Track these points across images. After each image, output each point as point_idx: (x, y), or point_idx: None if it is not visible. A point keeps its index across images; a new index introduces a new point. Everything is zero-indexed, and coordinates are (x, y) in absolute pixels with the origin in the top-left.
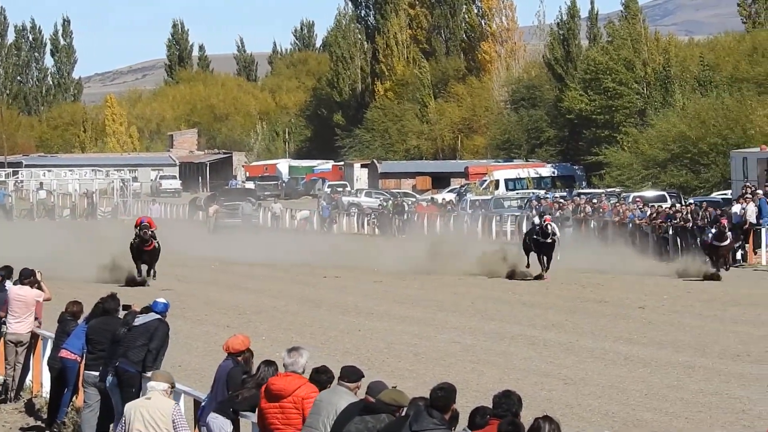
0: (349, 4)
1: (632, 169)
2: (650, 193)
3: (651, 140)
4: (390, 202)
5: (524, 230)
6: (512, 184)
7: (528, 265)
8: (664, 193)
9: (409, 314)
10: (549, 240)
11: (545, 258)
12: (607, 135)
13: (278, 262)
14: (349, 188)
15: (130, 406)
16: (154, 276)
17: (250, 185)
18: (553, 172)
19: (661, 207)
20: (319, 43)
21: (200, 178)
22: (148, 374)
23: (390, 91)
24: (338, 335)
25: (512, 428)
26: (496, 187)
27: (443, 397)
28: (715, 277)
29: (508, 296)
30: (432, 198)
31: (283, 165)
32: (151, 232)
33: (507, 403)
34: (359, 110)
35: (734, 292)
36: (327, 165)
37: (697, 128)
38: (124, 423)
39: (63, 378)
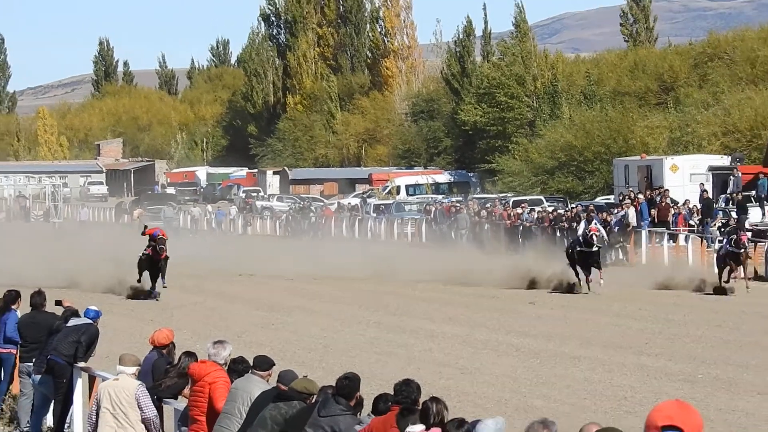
0: (262, 23)
1: (523, 176)
2: (528, 198)
3: (540, 149)
4: (297, 206)
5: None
6: (412, 189)
7: (578, 278)
8: (542, 197)
9: (318, 309)
10: (594, 249)
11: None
12: (500, 144)
13: (198, 260)
14: (262, 193)
15: (101, 386)
16: (164, 286)
17: (171, 191)
18: (450, 179)
19: (546, 211)
20: (234, 59)
21: (125, 184)
22: (80, 365)
23: (300, 104)
24: (253, 328)
25: (407, 411)
26: (398, 192)
27: (348, 385)
28: (721, 291)
29: (409, 292)
30: (338, 203)
31: (202, 172)
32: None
33: (407, 390)
34: (271, 121)
35: (617, 288)
36: (242, 172)
37: (583, 138)
38: (96, 401)
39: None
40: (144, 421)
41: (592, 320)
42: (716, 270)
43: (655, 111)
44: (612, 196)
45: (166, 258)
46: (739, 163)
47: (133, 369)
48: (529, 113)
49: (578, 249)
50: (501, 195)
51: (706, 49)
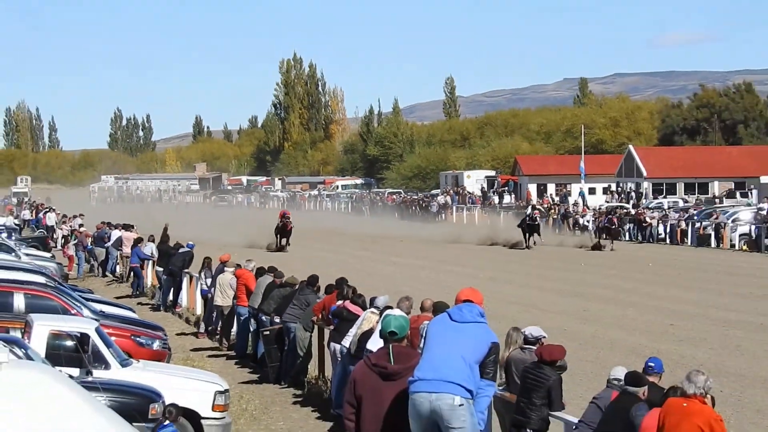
0: (273, 107)
1: (397, 180)
2: (399, 190)
3: (405, 168)
4: (290, 194)
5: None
6: (344, 187)
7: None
8: (401, 190)
9: (319, 246)
10: (536, 223)
11: (536, 234)
12: (385, 165)
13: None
14: (272, 188)
15: (218, 278)
16: (288, 245)
17: (230, 188)
18: (362, 182)
19: (408, 197)
20: (260, 124)
21: (207, 185)
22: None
23: (291, 147)
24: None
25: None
26: (338, 188)
27: (313, 279)
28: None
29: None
30: (309, 193)
31: (244, 179)
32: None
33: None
34: (277, 155)
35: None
36: (263, 178)
37: (426, 162)
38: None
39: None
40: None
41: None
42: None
43: (459, 149)
44: (439, 191)
45: (292, 228)
46: (500, 174)
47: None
48: (399, 150)
49: (527, 223)
50: (387, 189)
51: (485, 120)
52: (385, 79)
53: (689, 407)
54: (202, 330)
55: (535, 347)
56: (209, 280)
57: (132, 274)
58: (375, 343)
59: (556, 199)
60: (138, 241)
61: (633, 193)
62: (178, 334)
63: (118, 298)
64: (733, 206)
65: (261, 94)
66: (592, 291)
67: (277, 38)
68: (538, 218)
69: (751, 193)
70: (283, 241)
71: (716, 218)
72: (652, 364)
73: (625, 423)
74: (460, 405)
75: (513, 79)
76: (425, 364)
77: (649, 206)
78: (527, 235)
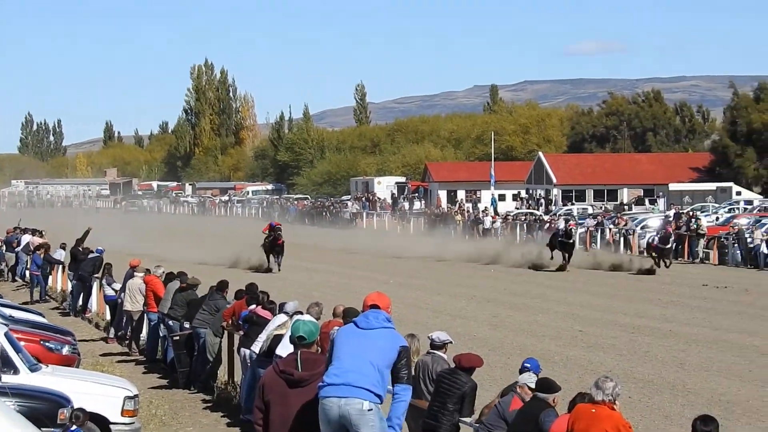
0: (184, 113)
1: (307, 186)
2: (308, 196)
3: (315, 174)
4: (200, 200)
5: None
6: (255, 192)
7: (552, 258)
8: (308, 196)
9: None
10: (571, 241)
11: (567, 255)
12: (296, 171)
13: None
14: (183, 193)
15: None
16: (280, 265)
17: (140, 193)
18: (273, 187)
19: (317, 203)
20: (171, 129)
21: (118, 190)
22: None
23: (201, 152)
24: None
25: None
26: (248, 194)
27: (222, 284)
28: (651, 272)
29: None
30: (219, 198)
31: (154, 184)
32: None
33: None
34: (188, 160)
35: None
36: (173, 183)
37: (336, 168)
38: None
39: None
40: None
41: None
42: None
43: (370, 156)
44: (350, 196)
45: (283, 243)
46: (410, 180)
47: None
48: (309, 156)
49: (560, 239)
50: (297, 195)
51: (396, 127)
52: (296, 86)
53: (598, 413)
54: (111, 335)
55: (441, 351)
56: (115, 285)
57: (33, 280)
58: (285, 348)
59: (469, 205)
60: (40, 247)
61: (542, 200)
62: (87, 340)
63: (26, 303)
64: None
65: (172, 99)
66: (502, 297)
67: (188, 44)
68: (573, 234)
69: (660, 200)
70: (276, 259)
71: (625, 225)
72: (528, 365)
73: (534, 428)
74: (369, 410)
75: (424, 85)
76: (334, 370)
77: (558, 212)
78: (563, 254)
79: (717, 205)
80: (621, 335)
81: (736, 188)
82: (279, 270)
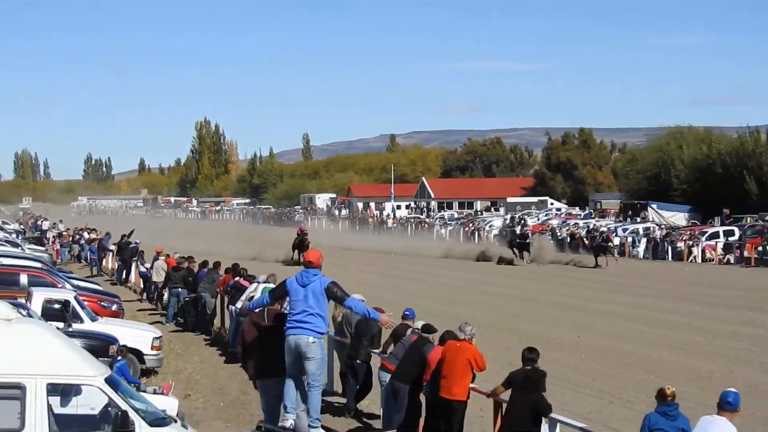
0: (190, 152)
1: (275, 201)
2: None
3: (281, 192)
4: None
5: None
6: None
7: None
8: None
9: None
10: (527, 241)
11: (525, 252)
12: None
13: None
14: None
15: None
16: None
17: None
18: (249, 201)
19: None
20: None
21: None
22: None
23: (204, 179)
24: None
25: None
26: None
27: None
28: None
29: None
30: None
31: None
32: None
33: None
34: (193, 184)
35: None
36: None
37: (291, 187)
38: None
39: None
40: None
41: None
42: None
43: (312, 180)
44: (300, 207)
45: (309, 243)
46: (339, 196)
47: None
48: (273, 180)
49: (518, 241)
50: (264, 206)
51: (329, 161)
52: (264, 133)
53: (461, 346)
54: (144, 298)
55: None
56: (146, 265)
57: (91, 262)
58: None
59: (377, 212)
60: (93, 240)
61: (425, 209)
62: (128, 301)
63: (88, 277)
64: (490, 217)
65: (183, 143)
66: (398, 273)
67: (192, 103)
68: (530, 235)
69: (501, 209)
70: (300, 256)
71: (478, 224)
72: (408, 313)
73: (419, 355)
74: (312, 342)
75: (346, 133)
76: (291, 317)
77: (435, 217)
78: (519, 252)
79: (538, 212)
80: (479, 298)
81: (550, 201)
82: None
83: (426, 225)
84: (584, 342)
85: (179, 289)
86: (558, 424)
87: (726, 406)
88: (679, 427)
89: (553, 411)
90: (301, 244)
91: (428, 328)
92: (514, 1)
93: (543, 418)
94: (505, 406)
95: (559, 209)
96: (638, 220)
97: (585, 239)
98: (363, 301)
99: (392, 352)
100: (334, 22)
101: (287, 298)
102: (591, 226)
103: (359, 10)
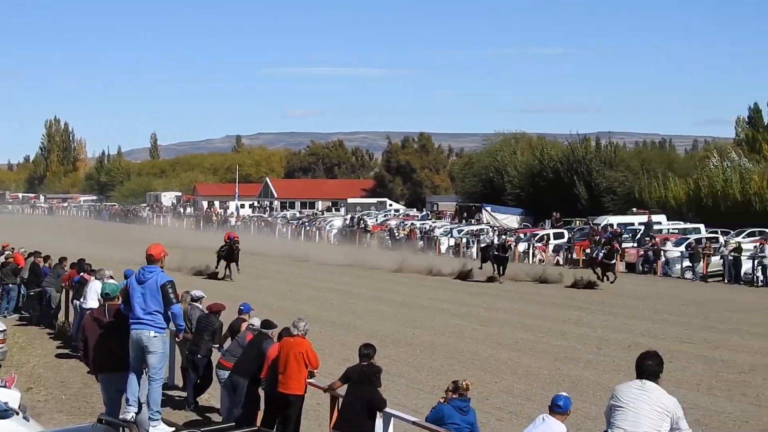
0: (39, 150)
1: (122, 198)
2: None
3: (127, 190)
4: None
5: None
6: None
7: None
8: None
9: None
10: (506, 255)
11: (501, 267)
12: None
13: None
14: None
15: None
16: (238, 271)
17: None
18: (96, 198)
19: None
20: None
21: None
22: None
23: (52, 174)
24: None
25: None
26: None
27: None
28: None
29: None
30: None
31: None
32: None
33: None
34: (42, 180)
35: None
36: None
37: (141, 185)
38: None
39: None
40: None
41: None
42: None
43: (159, 179)
44: (146, 204)
45: (239, 252)
46: (184, 194)
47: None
48: (120, 178)
49: (495, 254)
50: (111, 203)
51: (176, 161)
52: (113, 133)
53: (295, 342)
54: None
55: (197, 303)
56: None
57: None
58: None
59: (221, 210)
60: None
61: (268, 208)
62: None
63: None
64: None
65: (33, 141)
66: (246, 270)
67: (42, 102)
68: (511, 247)
69: (342, 209)
70: (229, 267)
71: (319, 223)
72: (242, 308)
73: (258, 350)
74: (154, 336)
75: (193, 133)
76: (132, 314)
77: (277, 216)
78: (496, 266)
79: (377, 213)
80: (315, 294)
81: (389, 202)
82: (232, 278)
83: (269, 224)
84: (419, 339)
85: (10, 285)
86: (392, 418)
87: (556, 408)
88: (470, 422)
89: (387, 405)
90: (230, 253)
91: (267, 324)
92: (358, 7)
93: (377, 412)
94: (341, 400)
95: (397, 210)
96: (473, 221)
97: (490, 249)
98: (203, 297)
99: (228, 348)
100: (182, 26)
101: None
102: (492, 237)
103: (207, 14)
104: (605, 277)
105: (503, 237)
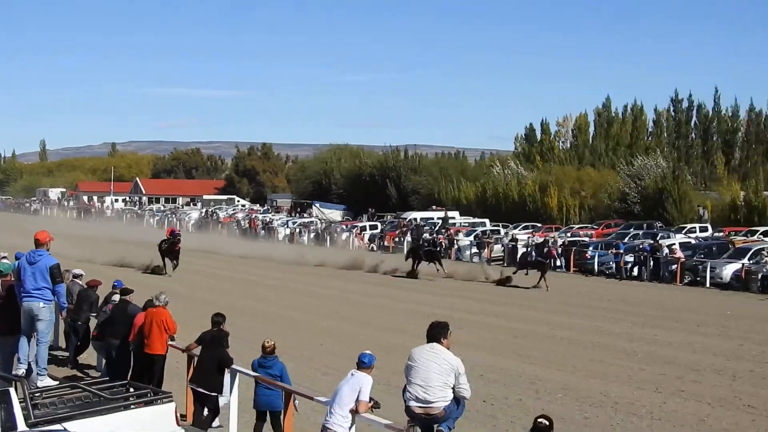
0: None
1: (16, 192)
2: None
3: (20, 186)
4: None
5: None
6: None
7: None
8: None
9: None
10: (437, 249)
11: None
12: None
13: None
14: None
15: None
16: (176, 267)
17: None
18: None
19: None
20: None
21: None
22: None
23: None
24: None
25: None
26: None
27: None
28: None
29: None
30: None
31: None
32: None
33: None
34: None
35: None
36: None
37: (33, 183)
38: None
39: None
40: None
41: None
42: None
43: (47, 177)
44: (36, 198)
45: (180, 248)
46: (69, 190)
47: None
48: (15, 177)
49: (426, 249)
50: (4, 196)
51: (62, 162)
52: (7, 139)
53: (157, 311)
54: None
55: (78, 279)
56: None
57: None
58: None
59: (99, 204)
60: None
61: (138, 202)
62: None
63: None
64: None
65: None
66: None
67: None
68: (442, 244)
69: (199, 203)
70: (172, 262)
71: (179, 215)
72: (116, 283)
73: (125, 315)
74: (43, 307)
75: (77, 139)
76: (24, 288)
77: (146, 209)
78: (428, 260)
79: (227, 207)
80: (205, 281)
81: (237, 199)
82: (172, 272)
83: (141, 216)
84: (262, 310)
85: None
86: (237, 373)
87: (362, 364)
88: (273, 374)
89: (235, 363)
90: (170, 248)
91: (126, 291)
92: (215, 37)
93: (226, 368)
94: (196, 359)
95: (244, 205)
96: (305, 215)
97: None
98: (82, 275)
99: (99, 322)
100: (68, 41)
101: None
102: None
103: (87, 32)
104: (542, 278)
105: (434, 235)
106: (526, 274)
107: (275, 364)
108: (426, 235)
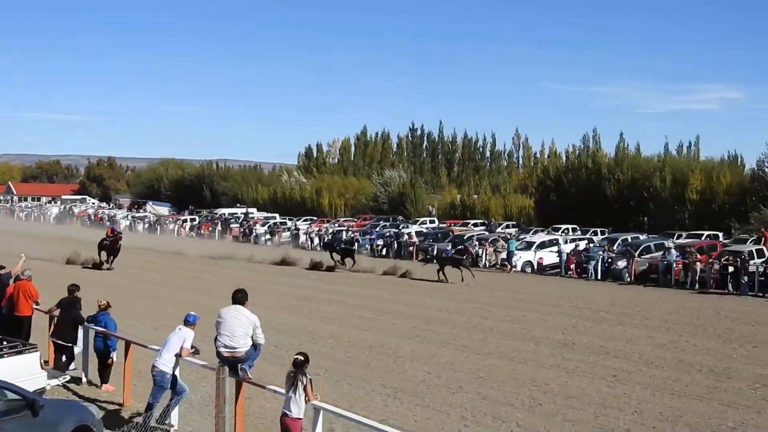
0: None
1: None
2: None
3: None
4: None
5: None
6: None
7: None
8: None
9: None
10: (354, 247)
11: (350, 258)
12: None
13: None
14: None
15: None
16: (112, 263)
17: None
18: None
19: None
20: None
21: None
22: None
23: None
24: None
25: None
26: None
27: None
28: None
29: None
30: None
31: None
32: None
33: None
34: None
35: None
36: None
37: None
38: None
39: None
40: None
41: None
42: None
43: None
44: None
45: (120, 246)
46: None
47: None
48: None
49: (343, 247)
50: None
51: None
52: None
53: (23, 283)
54: None
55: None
56: None
57: None
58: None
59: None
60: None
61: (10, 201)
62: None
63: None
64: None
65: None
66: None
67: None
68: (358, 239)
69: (57, 201)
70: (109, 258)
71: (42, 210)
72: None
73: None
74: None
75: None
76: None
77: (17, 206)
78: (342, 258)
79: (81, 204)
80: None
81: (89, 198)
82: (111, 268)
83: (10, 210)
84: (151, 291)
85: None
86: (89, 330)
87: (187, 322)
88: (102, 325)
89: (119, 330)
90: (112, 245)
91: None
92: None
93: (79, 326)
94: (56, 318)
95: (94, 203)
96: (141, 211)
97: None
98: None
99: None
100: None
101: None
102: (333, 231)
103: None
104: (460, 270)
105: (350, 234)
106: (332, 258)
107: (103, 318)
108: (343, 236)
